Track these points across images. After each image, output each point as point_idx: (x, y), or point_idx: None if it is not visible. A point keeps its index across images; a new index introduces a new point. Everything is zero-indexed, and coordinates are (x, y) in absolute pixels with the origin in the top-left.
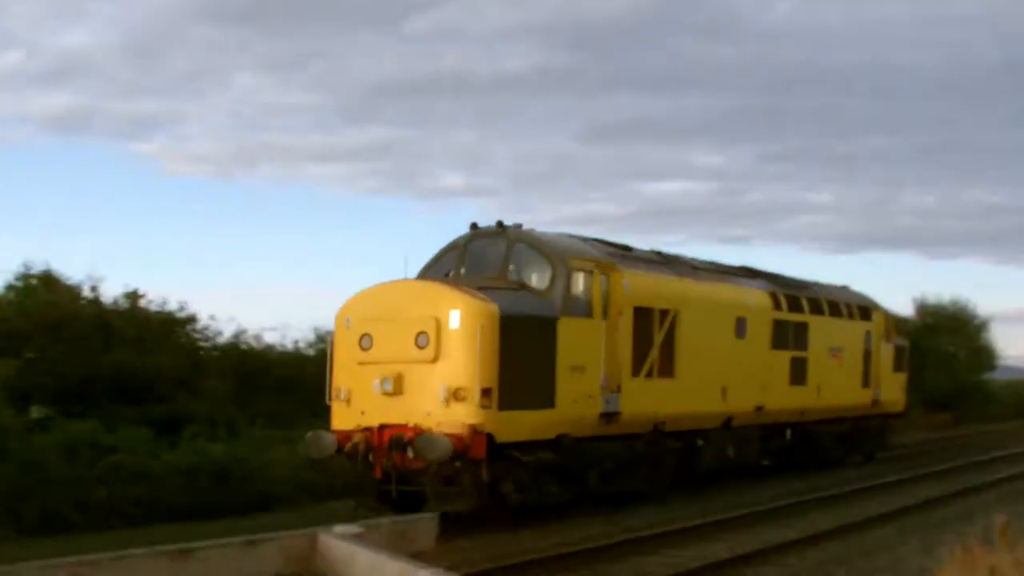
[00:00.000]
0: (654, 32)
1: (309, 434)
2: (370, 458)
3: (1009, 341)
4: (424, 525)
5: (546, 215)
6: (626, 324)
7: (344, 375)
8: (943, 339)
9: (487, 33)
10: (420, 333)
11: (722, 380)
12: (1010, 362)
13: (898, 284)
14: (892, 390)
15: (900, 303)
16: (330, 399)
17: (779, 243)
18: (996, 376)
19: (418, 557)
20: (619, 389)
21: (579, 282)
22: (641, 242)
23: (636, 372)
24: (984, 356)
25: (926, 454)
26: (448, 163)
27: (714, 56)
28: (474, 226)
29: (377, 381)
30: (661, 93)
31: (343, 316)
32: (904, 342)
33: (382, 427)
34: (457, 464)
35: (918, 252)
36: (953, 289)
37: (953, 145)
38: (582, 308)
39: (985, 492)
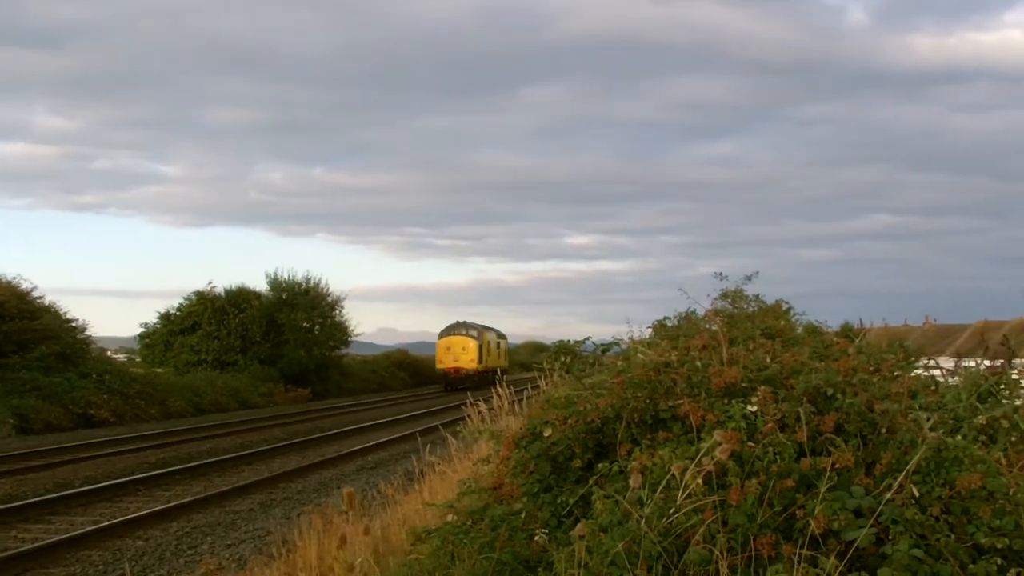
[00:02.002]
0: None
1: (438, 368)
2: (447, 372)
3: (361, 317)
4: None
5: None
6: (488, 345)
7: (441, 355)
8: (299, 314)
9: None
10: (464, 346)
11: (496, 356)
12: (363, 338)
13: (251, 259)
14: (507, 362)
15: (253, 277)
16: (437, 362)
17: (132, 214)
18: (350, 352)
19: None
20: (485, 361)
21: (483, 334)
22: None
23: (488, 356)
24: (338, 332)
25: (283, 427)
26: None
27: (57, 15)
28: (457, 323)
29: (451, 356)
30: None
31: (439, 340)
32: (507, 344)
33: (452, 368)
34: (472, 374)
35: (269, 228)
36: (306, 265)
37: (297, 124)
38: (480, 338)
39: (340, 465)
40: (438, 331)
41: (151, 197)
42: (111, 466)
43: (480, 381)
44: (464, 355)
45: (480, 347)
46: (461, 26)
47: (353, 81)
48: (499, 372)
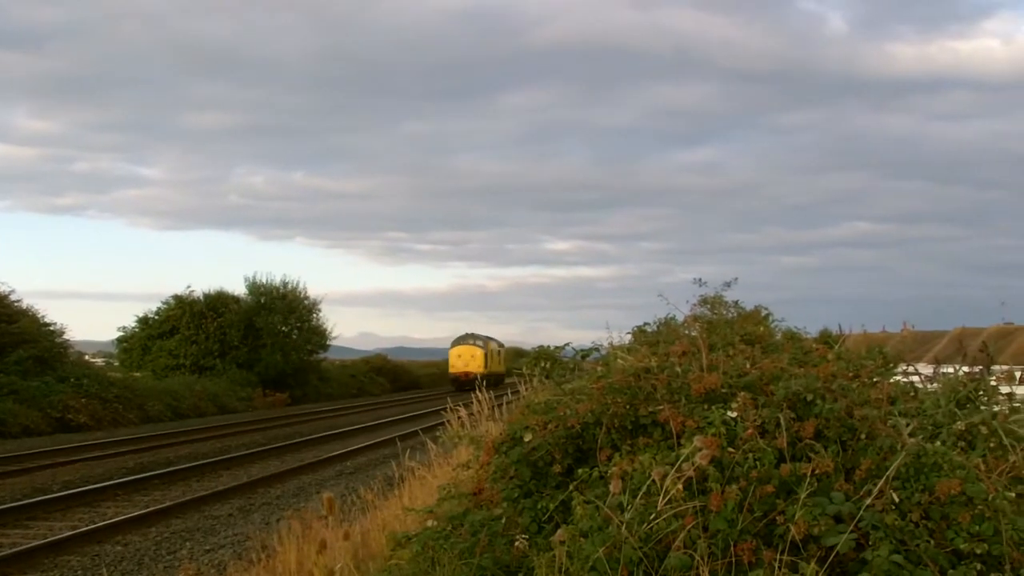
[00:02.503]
0: None
1: (450, 372)
2: (458, 376)
3: (341, 322)
4: None
5: None
6: (491, 353)
7: (453, 361)
8: (277, 318)
9: None
10: (472, 354)
11: (497, 362)
12: (342, 343)
13: (230, 263)
14: (505, 367)
15: (232, 281)
16: (449, 367)
17: (110, 216)
18: (329, 356)
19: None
20: (489, 366)
21: (488, 344)
22: None
23: (491, 362)
24: (316, 336)
25: (262, 431)
26: None
27: (40, 17)
28: (466, 334)
29: (461, 362)
30: None
31: (451, 349)
32: (505, 352)
33: (463, 372)
34: (479, 377)
35: (248, 232)
36: (285, 269)
37: (279, 128)
38: (486, 347)
39: (320, 469)
40: (420, 336)
41: (130, 200)
42: (89, 471)
43: (485, 384)
44: (473, 361)
45: (486, 355)
46: (443, 32)
47: (336, 85)
48: (479, 378)
